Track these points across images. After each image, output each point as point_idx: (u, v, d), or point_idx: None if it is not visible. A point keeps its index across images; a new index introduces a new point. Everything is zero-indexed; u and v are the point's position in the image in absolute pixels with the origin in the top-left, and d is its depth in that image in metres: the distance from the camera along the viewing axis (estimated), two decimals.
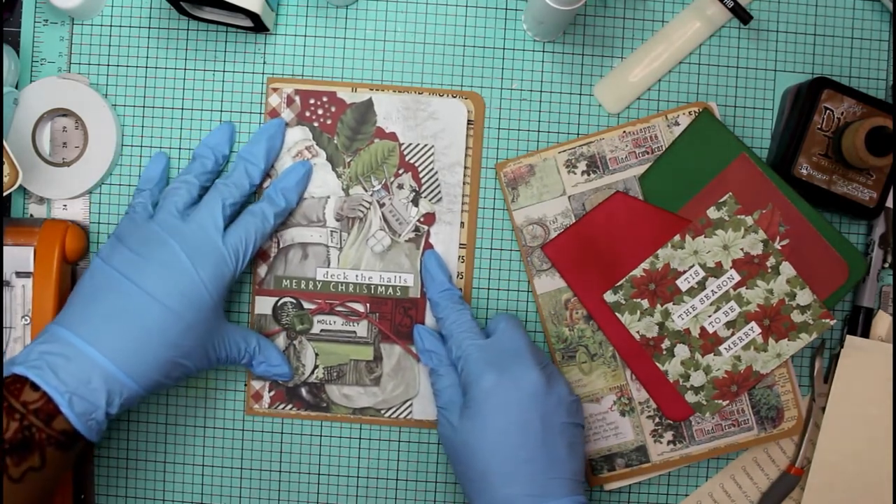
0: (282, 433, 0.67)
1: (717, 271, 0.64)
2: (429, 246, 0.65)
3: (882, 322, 0.66)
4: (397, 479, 0.67)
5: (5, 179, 0.58)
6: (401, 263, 0.65)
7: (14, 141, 0.64)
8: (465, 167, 0.66)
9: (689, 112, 0.65)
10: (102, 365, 0.54)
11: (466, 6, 0.67)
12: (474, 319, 0.62)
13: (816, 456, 0.66)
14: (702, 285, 0.64)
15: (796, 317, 0.64)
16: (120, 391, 0.55)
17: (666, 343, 0.64)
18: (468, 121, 0.65)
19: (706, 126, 0.64)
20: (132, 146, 0.66)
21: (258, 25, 0.64)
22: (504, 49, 0.67)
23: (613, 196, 0.65)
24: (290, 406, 0.66)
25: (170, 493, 0.67)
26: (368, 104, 0.65)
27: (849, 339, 0.66)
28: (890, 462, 0.65)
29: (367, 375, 0.66)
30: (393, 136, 0.65)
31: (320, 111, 0.65)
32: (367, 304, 0.65)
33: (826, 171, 0.63)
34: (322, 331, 0.66)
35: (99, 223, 0.66)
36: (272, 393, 0.66)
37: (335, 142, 0.65)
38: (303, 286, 0.65)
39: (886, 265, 0.66)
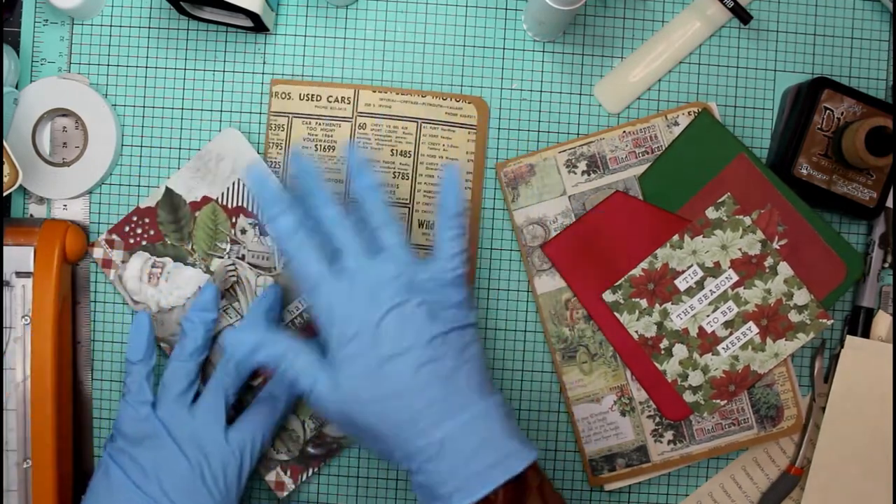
0: None
1: (715, 271, 0.64)
2: None
3: (882, 322, 0.66)
4: (397, 480, 0.67)
5: (5, 179, 0.58)
6: (296, 288, 0.65)
7: (14, 141, 0.64)
8: (469, 173, 0.65)
9: (689, 112, 0.65)
10: None
11: (466, 6, 0.67)
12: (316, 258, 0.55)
13: (816, 456, 0.66)
14: (700, 285, 0.64)
15: (794, 317, 0.64)
16: None
17: (664, 343, 0.64)
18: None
19: (705, 126, 0.64)
20: (132, 146, 0.66)
21: (258, 25, 0.64)
22: (504, 49, 0.67)
23: (613, 196, 0.65)
24: (311, 470, 0.65)
25: None
26: (168, 193, 0.65)
27: (849, 339, 0.66)
28: (890, 462, 0.65)
29: None
30: (206, 199, 0.65)
31: (139, 230, 0.65)
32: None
33: (826, 171, 0.63)
34: None
35: (99, 223, 0.66)
36: (287, 473, 0.65)
37: (170, 241, 0.65)
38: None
39: (886, 265, 0.66)
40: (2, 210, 0.65)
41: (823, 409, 0.66)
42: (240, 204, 0.65)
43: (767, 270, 0.64)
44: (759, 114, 0.67)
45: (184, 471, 0.57)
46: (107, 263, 0.65)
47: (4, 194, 0.58)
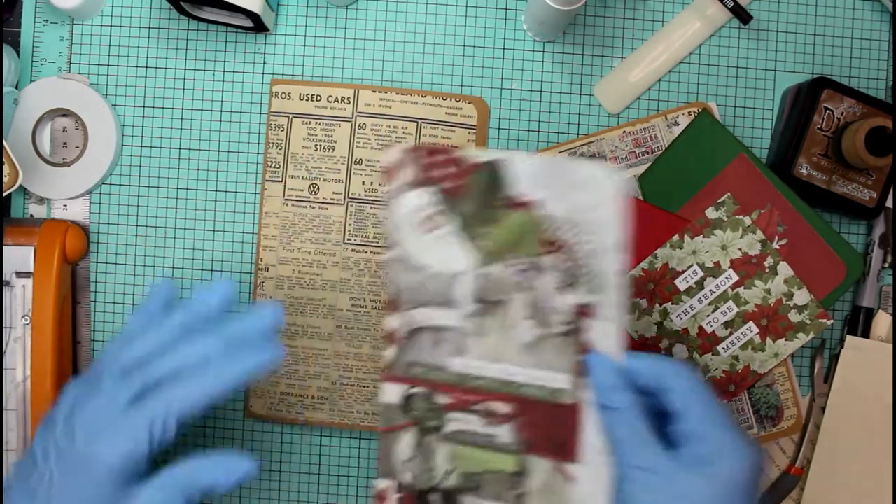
0: (282, 433, 0.67)
1: (715, 271, 0.64)
2: (586, 345, 0.52)
3: (882, 322, 0.66)
4: None
5: (5, 179, 0.58)
6: (551, 361, 0.52)
7: (14, 141, 0.64)
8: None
9: (689, 112, 0.65)
10: None
11: (466, 6, 0.67)
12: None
13: (816, 456, 0.66)
14: (700, 285, 0.64)
15: (794, 317, 0.64)
16: None
17: (664, 343, 0.64)
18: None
19: (705, 126, 0.64)
20: (132, 146, 0.66)
21: (258, 25, 0.64)
22: (504, 49, 0.67)
23: None
24: None
25: None
26: (496, 164, 0.52)
27: (849, 339, 0.66)
28: (890, 462, 0.65)
29: (510, 490, 0.53)
30: (528, 204, 0.52)
31: (443, 169, 0.53)
32: (512, 405, 0.53)
33: (826, 171, 0.63)
34: (457, 431, 0.54)
35: (99, 223, 0.66)
36: (399, 495, 0.55)
37: (466, 209, 0.53)
38: (434, 376, 0.54)
39: (886, 265, 0.66)
40: (2, 210, 0.65)
41: (823, 409, 0.66)
42: (568, 241, 0.52)
43: (767, 270, 0.64)
44: (759, 114, 0.67)
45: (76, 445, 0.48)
46: (391, 172, 0.53)
47: (4, 194, 0.58)
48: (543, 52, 0.67)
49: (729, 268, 0.64)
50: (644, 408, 0.49)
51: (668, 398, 0.49)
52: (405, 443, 0.55)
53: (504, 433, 0.53)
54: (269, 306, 0.53)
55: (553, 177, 0.52)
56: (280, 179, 0.66)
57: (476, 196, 0.53)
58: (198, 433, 0.67)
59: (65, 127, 0.66)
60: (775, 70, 0.67)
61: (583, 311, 0.52)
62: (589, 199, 0.52)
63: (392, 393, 0.54)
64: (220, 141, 0.66)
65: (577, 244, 0.52)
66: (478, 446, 0.54)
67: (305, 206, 0.66)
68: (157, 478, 0.49)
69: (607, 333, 0.52)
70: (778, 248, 0.64)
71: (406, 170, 0.53)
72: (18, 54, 0.66)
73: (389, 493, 0.55)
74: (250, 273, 0.66)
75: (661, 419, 0.50)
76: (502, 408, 0.53)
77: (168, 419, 0.49)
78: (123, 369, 0.50)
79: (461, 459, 0.54)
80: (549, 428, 0.52)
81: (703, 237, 0.64)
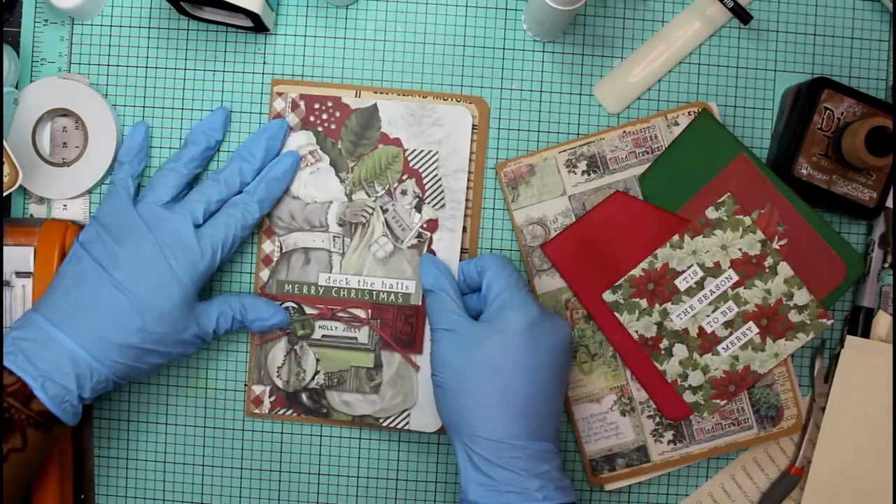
0: (282, 433, 0.67)
1: (715, 271, 0.64)
2: (431, 253, 0.65)
3: (882, 322, 0.66)
4: (397, 480, 0.67)
5: (5, 179, 0.58)
6: (403, 270, 0.65)
7: (14, 141, 0.64)
8: (469, 173, 0.65)
9: (689, 112, 0.65)
10: (72, 350, 0.56)
11: (466, 6, 0.67)
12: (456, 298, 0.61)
13: (816, 456, 0.66)
14: (700, 285, 0.64)
15: (794, 317, 0.64)
16: (90, 375, 0.56)
17: (664, 343, 0.64)
18: (472, 126, 0.65)
19: (705, 126, 0.64)
20: None
21: (258, 25, 0.64)
22: (504, 49, 0.67)
23: (613, 196, 0.65)
24: (290, 411, 0.65)
25: (170, 493, 0.67)
26: (373, 109, 0.64)
27: (849, 339, 0.66)
28: (890, 462, 0.65)
29: (367, 383, 0.65)
30: (397, 142, 0.65)
31: (325, 116, 0.65)
32: (369, 311, 0.65)
33: (826, 171, 0.63)
34: (323, 336, 0.65)
35: None
36: (272, 398, 0.65)
37: (339, 147, 0.64)
38: (305, 291, 0.65)
39: (886, 265, 0.66)
40: (2, 210, 0.65)
41: (823, 409, 0.66)
42: (419, 169, 0.64)
43: (767, 270, 0.64)
44: (759, 114, 0.67)
45: (153, 262, 0.58)
46: (277, 117, 0.65)
47: (4, 194, 0.58)
48: (543, 52, 0.67)
49: (729, 268, 0.64)
50: (457, 290, 0.61)
51: (483, 279, 0.60)
52: (278, 351, 0.65)
53: (363, 335, 0.65)
54: (271, 125, 0.64)
55: (415, 116, 0.64)
56: None
57: (351, 134, 0.64)
58: (198, 432, 0.67)
59: (65, 127, 0.66)
60: (775, 70, 0.67)
61: (428, 226, 0.64)
62: (443, 133, 0.64)
63: None
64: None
65: (429, 171, 0.64)
66: (341, 348, 0.65)
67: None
68: (219, 297, 0.63)
69: (446, 241, 0.64)
70: (778, 248, 0.64)
71: (292, 115, 0.64)
72: (18, 54, 0.66)
73: (264, 397, 0.65)
74: (251, 273, 0.66)
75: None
76: (361, 313, 0.65)
77: (234, 237, 0.61)
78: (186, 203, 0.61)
79: (327, 360, 0.65)
80: (399, 327, 0.65)
81: (703, 237, 0.64)
